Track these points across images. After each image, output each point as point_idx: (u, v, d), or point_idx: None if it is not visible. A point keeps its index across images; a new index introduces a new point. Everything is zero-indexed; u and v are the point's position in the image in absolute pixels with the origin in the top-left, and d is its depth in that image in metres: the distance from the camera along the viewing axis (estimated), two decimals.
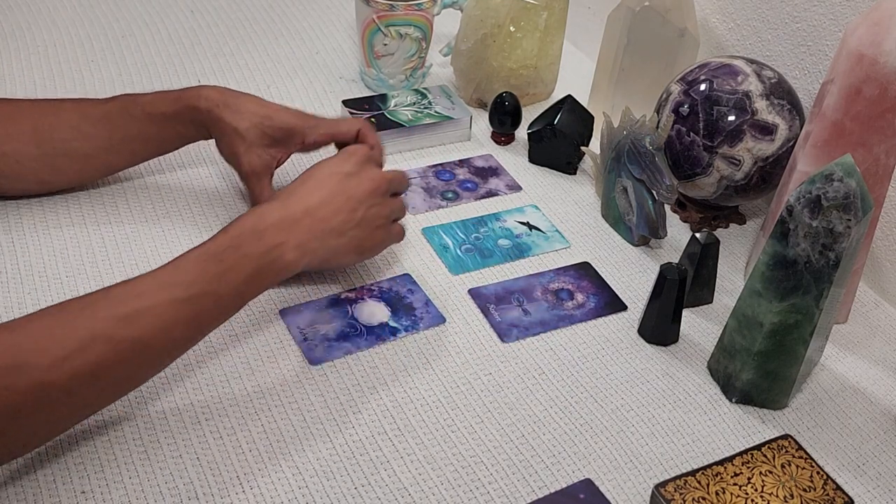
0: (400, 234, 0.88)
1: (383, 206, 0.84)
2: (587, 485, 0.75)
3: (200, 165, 1.04)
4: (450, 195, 1.04)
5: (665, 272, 0.85)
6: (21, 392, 0.62)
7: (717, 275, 0.93)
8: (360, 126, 0.91)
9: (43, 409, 0.63)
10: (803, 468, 0.76)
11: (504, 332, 0.88)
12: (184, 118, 0.91)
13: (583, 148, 1.08)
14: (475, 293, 0.91)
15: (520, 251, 0.97)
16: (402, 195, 0.89)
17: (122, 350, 0.66)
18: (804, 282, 0.76)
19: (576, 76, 1.26)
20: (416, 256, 0.95)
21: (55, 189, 0.95)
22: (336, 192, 0.79)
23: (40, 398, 0.63)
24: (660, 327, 0.87)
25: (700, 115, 0.95)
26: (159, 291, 0.69)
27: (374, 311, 0.87)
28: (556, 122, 1.08)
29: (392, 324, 0.87)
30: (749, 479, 0.75)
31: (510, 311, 0.90)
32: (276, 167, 0.94)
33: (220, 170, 1.04)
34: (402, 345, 0.85)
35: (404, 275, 0.92)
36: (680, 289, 0.85)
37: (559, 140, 1.08)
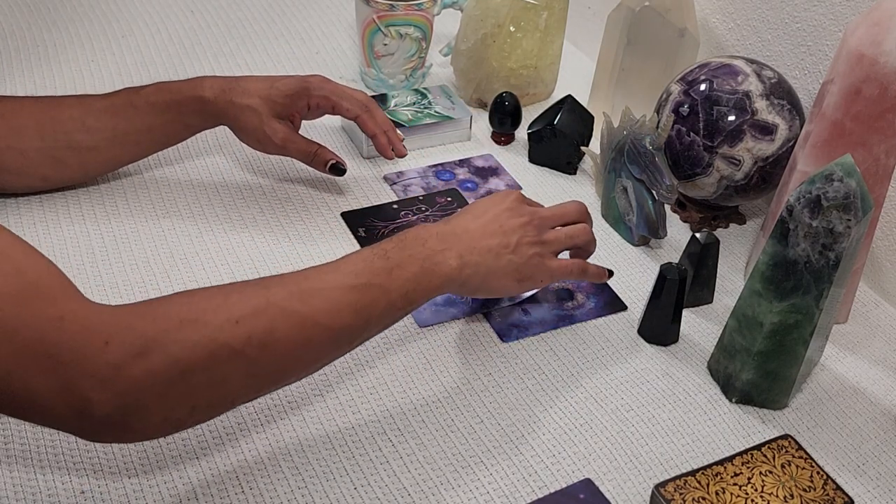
0: (565, 269, 0.86)
1: (537, 238, 0.83)
2: (587, 485, 0.75)
3: (201, 162, 1.04)
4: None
5: (665, 272, 0.85)
6: (192, 346, 0.62)
7: (717, 275, 0.93)
8: (359, 113, 0.98)
9: (213, 369, 0.63)
10: (803, 468, 0.76)
11: (504, 332, 0.88)
12: (190, 108, 0.92)
13: (583, 148, 1.08)
14: None
15: None
16: (574, 233, 0.87)
17: (293, 323, 0.67)
18: (804, 282, 0.76)
19: (576, 76, 1.26)
20: None
21: (58, 185, 0.95)
22: (491, 220, 0.82)
23: (212, 356, 0.62)
24: (660, 327, 0.87)
25: (700, 115, 0.95)
26: (330, 276, 0.71)
27: None
28: (556, 122, 1.08)
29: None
30: (749, 479, 0.75)
31: (510, 311, 0.90)
32: (297, 129, 1.00)
33: (220, 167, 1.04)
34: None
35: None
36: (680, 289, 0.85)
37: (559, 140, 1.08)
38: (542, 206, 0.87)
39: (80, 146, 0.91)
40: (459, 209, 0.86)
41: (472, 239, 0.80)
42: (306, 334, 0.68)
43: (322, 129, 1.12)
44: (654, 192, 0.96)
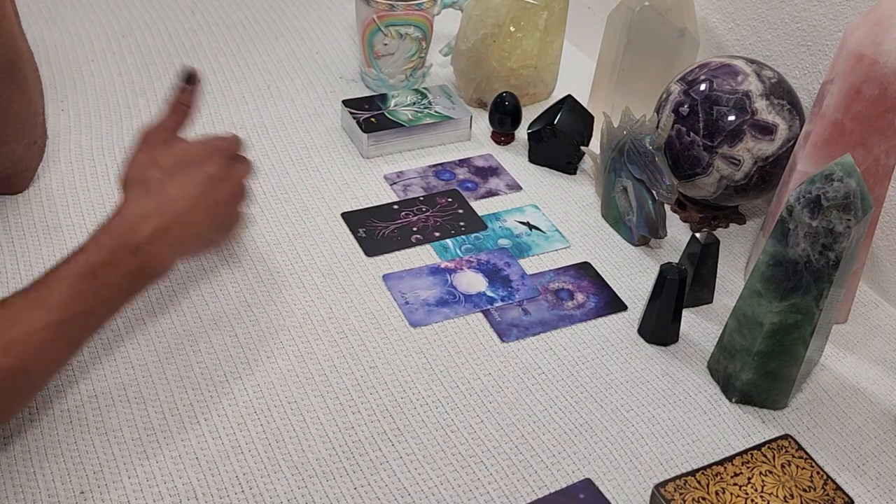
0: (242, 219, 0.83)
1: (239, 204, 0.81)
2: (587, 485, 0.75)
3: None
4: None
5: (665, 272, 0.85)
6: None
7: (717, 275, 0.93)
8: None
9: None
10: (803, 468, 0.76)
11: (504, 332, 0.88)
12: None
13: (583, 148, 1.08)
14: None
15: (520, 251, 0.97)
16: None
17: (0, 379, 0.64)
18: (804, 282, 0.76)
19: (576, 76, 1.26)
20: (415, 256, 0.95)
21: None
22: (201, 196, 0.76)
23: None
24: (660, 327, 0.87)
25: (700, 115, 0.95)
26: (35, 313, 0.66)
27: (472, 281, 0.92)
28: (556, 122, 1.08)
29: (489, 294, 0.91)
30: (749, 479, 0.75)
31: (510, 311, 0.90)
32: None
33: None
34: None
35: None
36: (680, 289, 0.85)
37: (559, 140, 1.08)
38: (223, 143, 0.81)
39: None
40: (165, 152, 0.77)
41: (184, 227, 0.75)
42: (17, 384, 0.66)
43: (322, 129, 1.12)
44: (654, 192, 0.96)
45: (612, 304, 0.92)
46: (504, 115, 1.12)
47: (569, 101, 1.10)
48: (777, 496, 0.74)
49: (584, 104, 1.13)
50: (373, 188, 1.04)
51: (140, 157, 0.77)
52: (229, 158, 0.79)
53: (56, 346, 0.68)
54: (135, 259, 0.71)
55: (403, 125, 1.09)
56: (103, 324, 0.72)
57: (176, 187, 0.75)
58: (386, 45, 1.15)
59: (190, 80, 0.81)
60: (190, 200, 0.75)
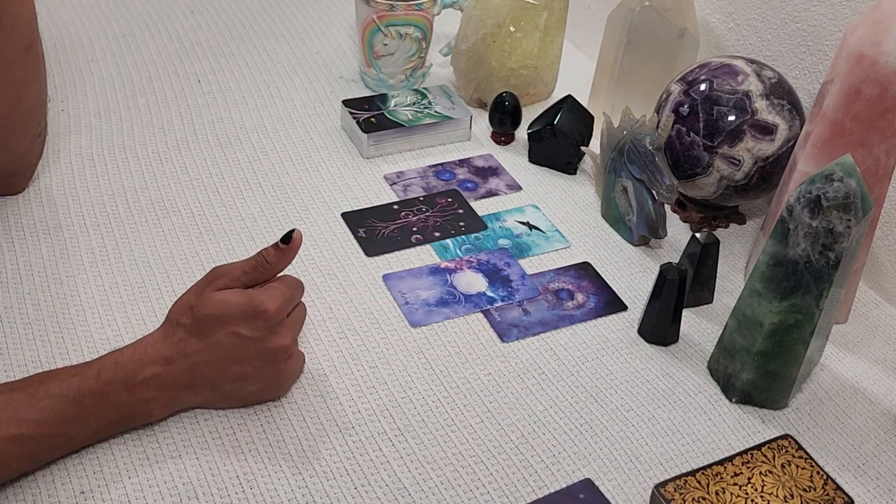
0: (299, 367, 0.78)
1: (279, 364, 0.74)
2: (587, 485, 0.75)
3: (201, 161, 1.04)
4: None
5: (665, 272, 0.85)
6: None
7: (717, 275, 0.93)
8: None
9: None
10: (803, 468, 0.76)
11: (504, 332, 0.88)
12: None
13: (583, 148, 1.08)
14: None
15: (520, 251, 0.97)
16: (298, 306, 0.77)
17: None
18: (804, 282, 0.76)
19: (576, 76, 1.26)
20: (415, 256, 0.95)
21: None
22: (226, 354, 0.72)
23: None
24: (660, 327, 0.87)
25: (700, 115, 0.95)
26: (7, 424, 0.64)
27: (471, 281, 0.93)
28: (556, 122, 1.08)
29: (489, 294, 0.91)
30: (749, 479, 0.75)
31: (510, 311, 0.90)
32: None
33: (220, 167, 1.04)
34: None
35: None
36: (680, 289, 0.85)
37: (559, 140, 1.08)
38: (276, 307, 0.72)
39: None
40: (201, 303, 0.72)
41: (193, 378, 0.71)
42: None
43: (322, 129, 1.12)
44: (654, 192, 0.96)
45: (612, 304, 0.92)
46: (504, 115, 1.12)
47: (569, 101, 1.10)
48: (777, 496, 0.74)
49: (584, 104, 1.13)
50: (373, 188, 1.04)
51: (188, 297, 0.73)
52: (272, 321, 0.72)
53: (18, 460, 0.66)
54: (126, 396, 0.69)
55: (403, 125, 1.09)
56: (74, 449, 0.70)
57: (196, 343, 0.71)
58: (386, 45, 1.15)
59: (288, 240, 0.74)
60: (206, 357, 0.71)
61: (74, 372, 0.69)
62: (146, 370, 0.70)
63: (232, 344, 0.71)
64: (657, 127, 0.95)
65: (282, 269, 0.76)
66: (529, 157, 1.11)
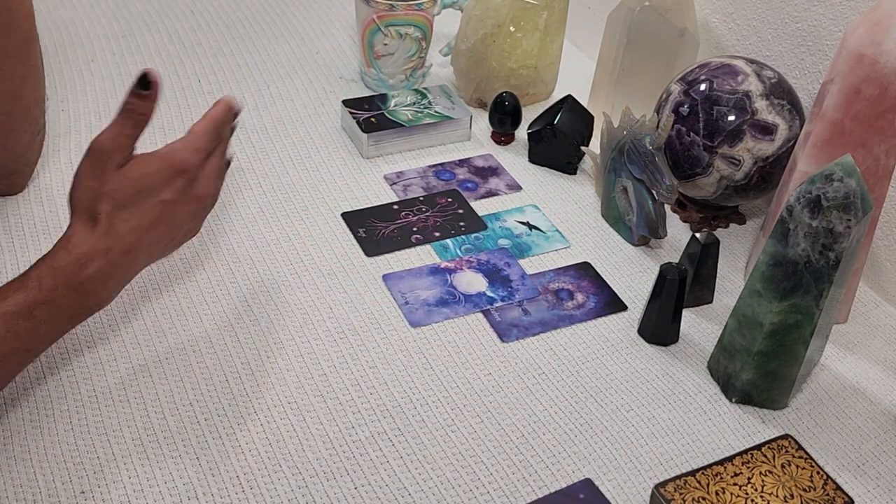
0: (214, 172, 0.77)
1: (201, 215, 0.78)
2: (587, 485, 0.75)
3: None
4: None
5: (665, 272, 0.85)
6: None
7: (717, 275, 0.93)
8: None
9: None
10: (803, 468, 0.76)
11: (504, 332, 0.88)
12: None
13: (583, 148, 1.08)
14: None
15: (520, 251, 0.97)
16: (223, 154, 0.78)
17: None
18: (804, 282, 0.76)
19: (576, 76, 1.26)
20: (415, 256, 0.95)
21: None
22: (153, 226, 0.72)
23: None
24: (660, 327, 0.87)
25: (700, 115, 0.95)
26: None
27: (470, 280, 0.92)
28: (556, 122, 1.08)
29: (489, 294, 0.91)
30: (749, 479, 0.75)
31: (510, 311, 0.90)
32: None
33: None
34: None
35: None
36: (680, 289, 0.85)
37: (559, 140, 1.08)
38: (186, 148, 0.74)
39: None
40: (127, 171, 0.71)
41: (132, 259, 0.72)
42: None
43: (322, 129, 1.12)
44: (654, 192, 0.96)
45: (612, 304, 0.92)
46: (504, 115, 1.12)
47: (569, 101, 1.10)
48: (777, 496, 0.74)
49: (584, 104, 1.13)
50: (373, 188, 1.04)
51: (90, 183, 0.71)
52: (192, 175, 0.74)
53: None
54: (76, 296, 0.69)
55: (403, 125, 1.09)
56: (36, 356, 0.71)
57: (126, 223, 0.71)
58: (386, 45, 1.15)
59: (147, 84, 0.72)
60: (140, 233, 0.72)
61: (14, 287, 0.68)
62: (88, 267, 0.69)
63: (161, 211, 0.73)
64: (657, 127, 0.95)
65: (154, 109, 0.74)
66: (529, 157, 1.11)
